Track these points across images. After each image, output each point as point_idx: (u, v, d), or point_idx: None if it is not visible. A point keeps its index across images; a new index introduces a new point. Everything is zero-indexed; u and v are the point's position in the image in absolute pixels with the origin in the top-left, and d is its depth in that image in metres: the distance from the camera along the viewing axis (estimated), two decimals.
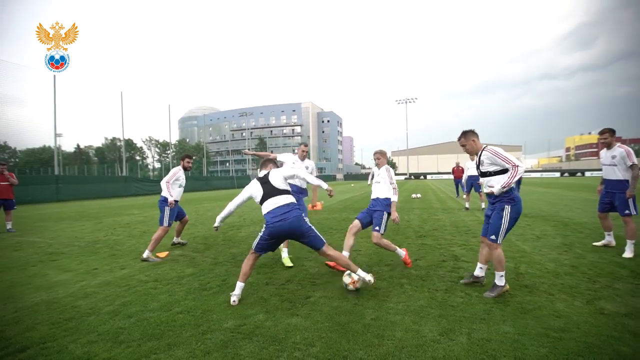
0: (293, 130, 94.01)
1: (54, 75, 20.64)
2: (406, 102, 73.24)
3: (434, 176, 71.04)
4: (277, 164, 3.96)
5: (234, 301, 3.03)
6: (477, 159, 3.31)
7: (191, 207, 13.55)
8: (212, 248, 5.48)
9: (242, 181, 40.84)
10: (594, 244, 5.14)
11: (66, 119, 35.56)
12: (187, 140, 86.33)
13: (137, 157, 67.46)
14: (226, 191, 30.68)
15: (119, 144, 62.15)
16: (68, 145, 61.41)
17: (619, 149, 4.59)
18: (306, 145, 5.16)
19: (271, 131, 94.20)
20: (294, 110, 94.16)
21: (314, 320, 2.66)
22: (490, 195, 3.23)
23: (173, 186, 5.12)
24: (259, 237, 3.21)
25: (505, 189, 3.06)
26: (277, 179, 3.35)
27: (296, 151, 5.15)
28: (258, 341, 2.34)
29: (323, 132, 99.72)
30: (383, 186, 4.41)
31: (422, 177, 71.99)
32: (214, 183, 36.77)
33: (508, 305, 2.90)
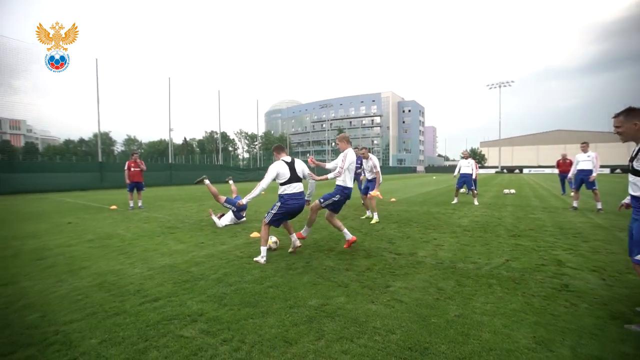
0: (372, 120, 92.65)
1: (169, 78, 24.27)
2: (500, 87, 65.31)
3: (533, 170, 62.27)
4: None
5: (264, 261, 4.01)
6: (635, 150, 2.59)
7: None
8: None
9: (322, 171, 42.11)
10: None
11: (176, 115, 41.62)
12: (272, 132, 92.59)
13: (230, 148, 75.25)
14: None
15: (215, 136, 70.25)
16: (177, 138, 72.00)
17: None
18: (364, 148, 7.82)
19: (350, 122, 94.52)
20: (373, 101, 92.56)
21: (394, 309, 2.70)
22: (636, 198, 2.55)
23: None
24: (272, 214, 4.20)
25: None
26: (299, 169, 4.37)
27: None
28: (340, 321, 2.49)
29: (403, 122, 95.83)
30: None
31: (516, 170, 63.81)
32: None
33: (631, 324, 2.47)
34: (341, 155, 4.69)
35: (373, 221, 7.05)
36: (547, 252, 4.50)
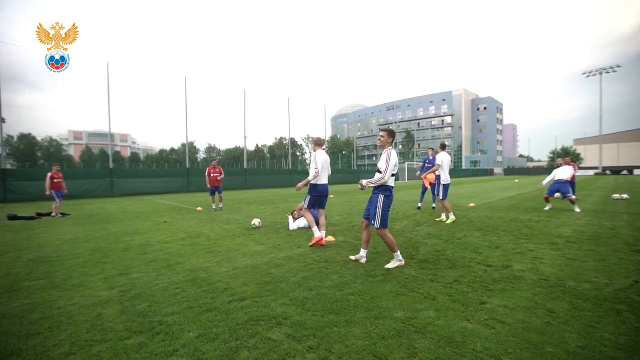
0: (442, 120, 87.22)
1: (244, 90, 26.19)
2: (600, 74, 55.54)
3: None
4: None
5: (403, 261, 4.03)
6: None
7: (344, 197, 14.63)
8: (371, 238, 5.69)
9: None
10: None
11: (249, 123, 44.77)
12: (338, 136, 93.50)
13: (297, 153, 78.10)
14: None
15: (284, 142, 73.74)
16: (250, 145, 77.44)
17: None
18: (430, 149, 9.16)
19: (418, 123, 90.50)
20: (443, 100, 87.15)
21: (495, 330, 2.36)
22: None
23: None
24: (383, 213, 3.91)
25: None
26: None
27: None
28: (432, 338, 2.26)
29: (478, 120, 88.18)
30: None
31: (624, 171, 53.72)
32: (363, 176, 38.44)
33: None
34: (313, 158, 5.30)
35: (448, 221, 7.29)
36: None
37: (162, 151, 76.53)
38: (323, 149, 5.57)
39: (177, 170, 26.87)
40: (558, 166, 9.59)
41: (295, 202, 13.18)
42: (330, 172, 5.55)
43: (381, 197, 3.91)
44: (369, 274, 3.71)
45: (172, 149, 73.82)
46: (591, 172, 55.73)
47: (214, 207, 10.38)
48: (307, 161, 77.22)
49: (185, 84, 22.34)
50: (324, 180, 5.34)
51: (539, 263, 4.04)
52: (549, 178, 9.53)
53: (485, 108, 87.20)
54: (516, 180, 32.50)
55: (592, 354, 2.06)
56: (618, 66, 54.33)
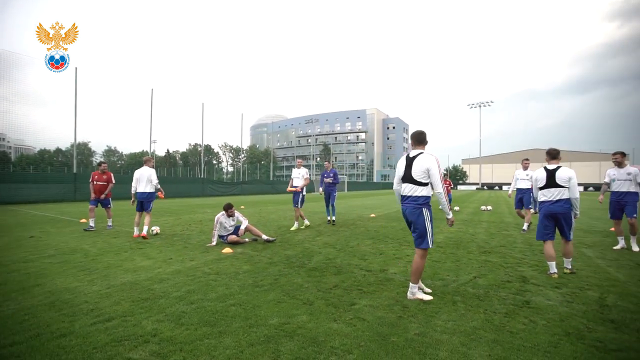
0: (357, 136, 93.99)
1: (152, 89, 24.06)
2: (480, 106, 67.88)
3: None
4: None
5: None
6: None
7: (255, 209, 14.49)
8: (269, 249, 5.80)
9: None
10: (614, 248, 6.04)
11: (159, 127, 41.03)
12: (257, 146, 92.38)
13: (214, 162, 74.41)
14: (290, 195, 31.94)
15: (199, 149, 69.47)
16: (160, 150, 70.66)
17: (632, 168, 5.94)
18: (300, 159, 9.66)
19: (335, 137, 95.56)
20: (358, 117, 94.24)
21: (355, 328, 2.66)
22: None
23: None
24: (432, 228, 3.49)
25: None
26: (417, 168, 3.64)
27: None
28: (298, 341, 2.43)
29: (388, 138, 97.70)
30: None
31: (496, 187, 65.66)
32: (280, 187, 38.59)
33: (583, 340, 2.52)
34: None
35: (293, 228, 8.59)
36: (514, 268, 4.60)
37: (44, 152, 64.01)
38: (151, 166, 7.25)
39: (61, 175, 22.88)
40: None
41: (202, 212, 12.52)
42: (154, 182, 7.10)
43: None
44: (257, 284, 3.77)
45: (59, 150, 62.49)
46: (474, 187, 66.60)
47: (92, 224, 7.80)
48: (224, 170, 74.24)
49: (76, 75, 19.49)
50: (139, 189, 7.03)
51: (409, 266, 4.66)
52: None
53: (394, 127, 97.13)
54: None
55: (424, 339, 2.49)
56: (492, 101, 67.36)
